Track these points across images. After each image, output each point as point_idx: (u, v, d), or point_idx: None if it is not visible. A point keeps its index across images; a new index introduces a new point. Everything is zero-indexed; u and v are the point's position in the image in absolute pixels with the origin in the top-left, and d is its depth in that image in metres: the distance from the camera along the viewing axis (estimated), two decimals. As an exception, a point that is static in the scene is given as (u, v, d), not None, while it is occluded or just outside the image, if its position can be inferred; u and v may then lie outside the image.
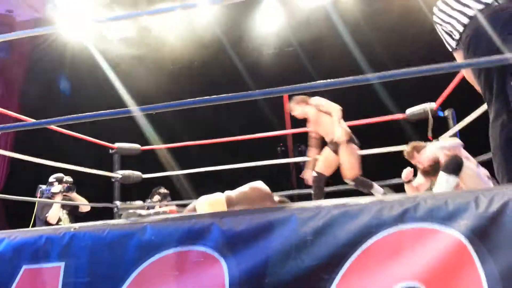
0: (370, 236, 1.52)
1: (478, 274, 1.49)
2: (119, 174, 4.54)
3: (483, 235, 1.52)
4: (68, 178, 3.88)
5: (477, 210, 1.56)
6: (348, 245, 1.52)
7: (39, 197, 3.79)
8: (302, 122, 4.69)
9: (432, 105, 3.86)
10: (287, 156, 6.23)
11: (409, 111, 4.08)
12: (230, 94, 1.88)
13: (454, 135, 3.75)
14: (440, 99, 3.80)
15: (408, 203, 1.56)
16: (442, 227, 1.54)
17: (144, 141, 5.02)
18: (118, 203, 4.52)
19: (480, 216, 1.54)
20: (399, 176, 3.98)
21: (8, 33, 2.34)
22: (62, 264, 1.70)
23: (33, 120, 2.96)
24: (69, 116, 1.93)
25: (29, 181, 4.75)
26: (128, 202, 4.60)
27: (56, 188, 3.75)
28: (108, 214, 4.36)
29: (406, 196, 1.61)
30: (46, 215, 3.66)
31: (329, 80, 1.82)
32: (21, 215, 4.83)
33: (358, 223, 1.55)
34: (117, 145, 4.59)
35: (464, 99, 3.65)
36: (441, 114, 3.86)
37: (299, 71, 6.68)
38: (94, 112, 2.01)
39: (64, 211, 3.87)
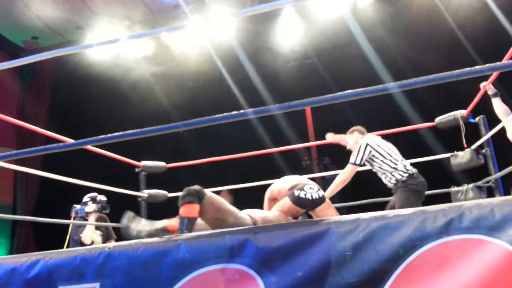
0: (414, 250, 1.45)
1: (530, 286, 1.41)
2: (145, 193, 4.53)
3: (533, 245, 1.44)
4: (102, 197, 3.85)
5: (526, 218, 1.49)
6: (391, 260, 1.46)
7: (74, 217, 3.80)
8: (326, 133, 4.62)
9: (462, 112, 3.75)
10: (312, 170, 6.14)
11: (438, 119, 3.97)
12: (251, 110, 1.87)
13: (487, 142, 3.63)
14: (471, 106, 3.68)
15: (452, 213, 1.49)
16: (489, 238, 1.46)
17: (166, 158, 5.01)
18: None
19: (529, 225, 1.47)
20: (432, 187, 3.88)
21: (33, 55, 2.38)
22: (97, 285, 1.69)
23: (72, 141, 3.00)
24: (100, 136, 1.95)
25: (59, 202, 4.82)
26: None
27: (90, 207, 3.74)
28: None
29: (449, 205, 1.54)
30: (81, 235, 3.66)
31: (350, 91, 1.78)
32: (50, 237, 4.88)
33: (400, 236, 1.49)
34: (143, 163, 4.57)
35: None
36: (471, 120, 3.75)
37: (320, 83, 6.65)
38: (121, 133, 2.03)
39: (98, 232, 3.86)
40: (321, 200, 2.64)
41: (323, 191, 2.72)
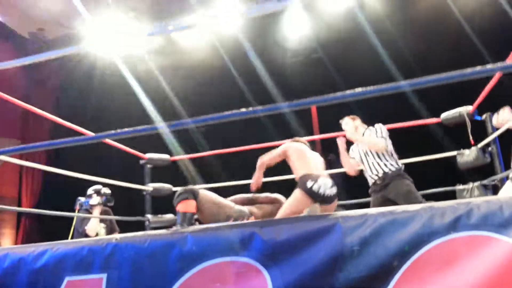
0: (421, 246, 1.45)
1: (538, 284, 1.40)
2: (150, 187, 4.51)
3: (542, 243, 1.43)
4: (106, 190, 3.87)
5: (534, 216, 1.48)
6: (398, 255, 1.45)
7: (78, 210, 3.82)
8: (331, 128, 4.60)
9: (468, 108, 3.71)
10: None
11: (444, 115, 3.92)
12: (258, 108, 1.84)
13: (493, 140, 3.60)
14: (477, 102, 3.62)
15: (460, 210, 1.48)
16: (498, 235, 1.46)
17: (168, 151, 5.01)
18: (149, 216, 4.48)
19: (538, 223, 1.46)
20: (438, 185, 3.84)
21: (39, 54, 2.37)
22: (104, 276, 1.70)
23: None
24: (111, 132, 1.95)
25: (63, 195, 4.82)
26: (159, 216, 4.56)
27: (95, 200, 3.76)
28: (140, 227, 4.32)
29: (457, 202, 1.54)
30: (85, 227, 3.68)
31: (357, 90, 1.75)
32: (54, 229, 4.89)
33: (408, 231, 1.48)
34: (148, 155, 4.55)
35: (502, 102, 3.49)
36: (478, 118, 3.71)
37: (326, 77, 6.60)
38: (131, 128, 2.00)
39: (102, 225, 3.88)
40: (333, 198, 2.44)
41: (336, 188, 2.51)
